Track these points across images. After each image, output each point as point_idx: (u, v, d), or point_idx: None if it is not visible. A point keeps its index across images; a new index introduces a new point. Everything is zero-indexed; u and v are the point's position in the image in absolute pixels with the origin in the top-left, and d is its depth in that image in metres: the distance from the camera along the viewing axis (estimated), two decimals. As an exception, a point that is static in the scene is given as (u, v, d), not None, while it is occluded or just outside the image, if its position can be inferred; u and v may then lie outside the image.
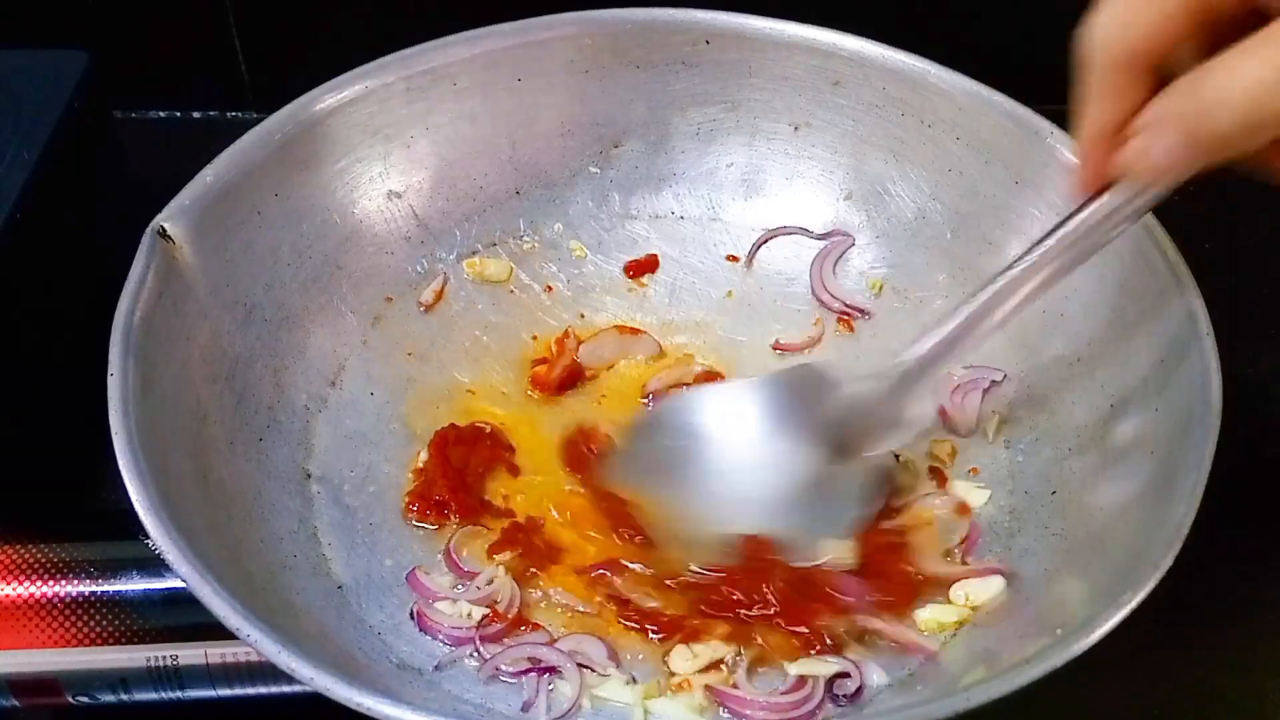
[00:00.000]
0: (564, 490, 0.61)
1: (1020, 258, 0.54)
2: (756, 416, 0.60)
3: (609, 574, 0.57)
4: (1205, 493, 0.51)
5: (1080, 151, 0.49)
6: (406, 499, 0.60)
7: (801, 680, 0.53)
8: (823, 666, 0.53)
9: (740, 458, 0.60)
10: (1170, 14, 0.45)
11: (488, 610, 0.55)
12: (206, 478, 0.55)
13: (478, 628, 0.55)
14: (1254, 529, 0.65)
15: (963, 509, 0.60)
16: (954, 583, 0.57)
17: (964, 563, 0.58)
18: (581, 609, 0.57)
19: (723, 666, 0.54)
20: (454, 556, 0.58)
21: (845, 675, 0.53)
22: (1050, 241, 0.52)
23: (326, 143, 0.66)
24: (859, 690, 0.53)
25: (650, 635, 0.55)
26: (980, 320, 0.55)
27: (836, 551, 0.57)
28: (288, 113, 0.64)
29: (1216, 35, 0.44)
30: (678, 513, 0.59)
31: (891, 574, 0.57)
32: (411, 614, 0.56)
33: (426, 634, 0.55)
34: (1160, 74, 0.46)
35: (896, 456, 0.61)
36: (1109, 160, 0.48)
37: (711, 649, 0.55)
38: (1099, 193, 0.50)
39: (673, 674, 0.54)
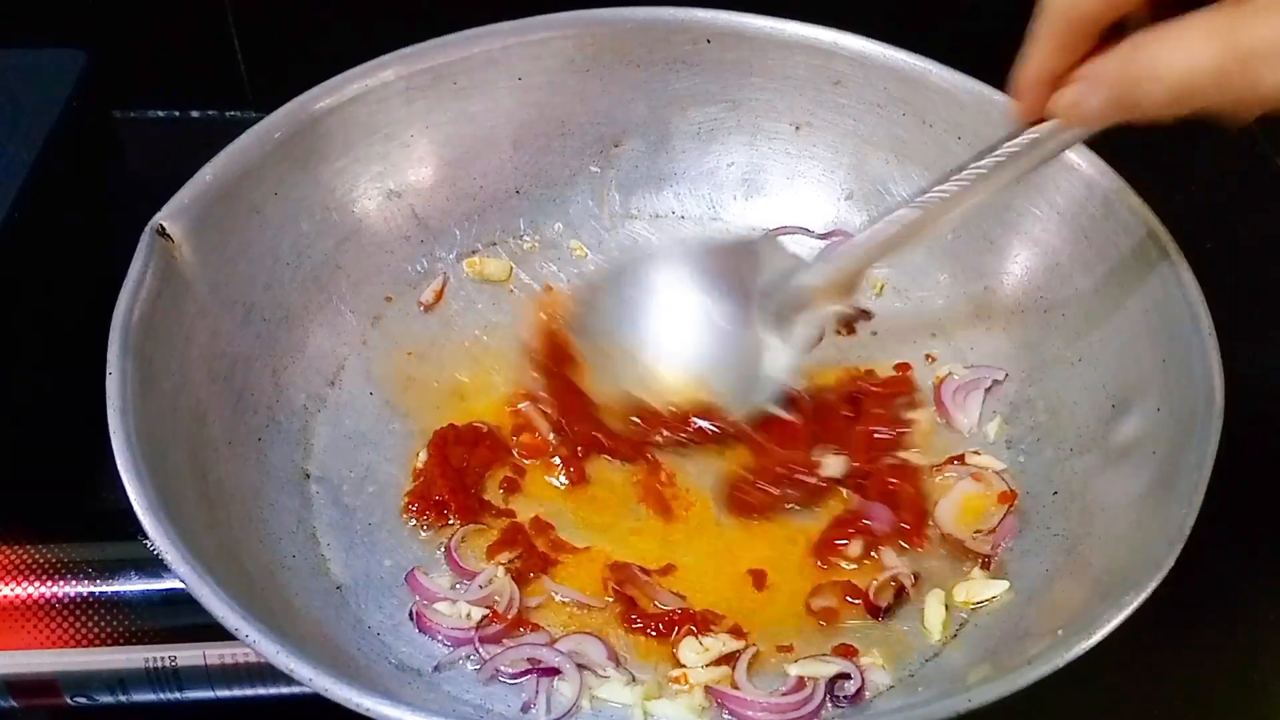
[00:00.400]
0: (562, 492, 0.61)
1: (958, 172, 0.56)
2: (707, 277, 0.64)
3: (619, 574, 0.57)
4: (1206, 493, 0.51)
5: (1016, 90, 0.52)
6: (406, 499, 0.60)
7: (802, 681, 0.53)
8: (823, 667, 0.53)
9: (687, 313, 0.64)
10: None
11: (487, 611, 0.55)
12: (205, 478, 0.55)
13: (477, 628, 0.55)
14: (1254, 529, 0.65)
15: (1005, 497, 0.60)
16: (968, 555, 0.58)
17: (992, 548, 0.58)
18: (586, 601, 0.56)
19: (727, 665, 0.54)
20: (454, 555, 0.58)
21: (846, 676, 0.53)
22: (985, 160, 0.55)
23: (326, 142, 0.65)
24: (859, 691, 0.53)
25: (655, 636, 0.55)
26: (919, 228, 0.58)
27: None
28: (287, 112, 0.64)
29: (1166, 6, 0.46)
30: (624, 364, 0.63)
31: (899, 494, 0.60)
32: (411, 614, 0.56)
33: (425, 634, 0.55)
34: (1107, 32, 0.48)
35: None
36: (1042, 102, 0.51)
37: (721, 642, 0.54)
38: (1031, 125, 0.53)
39: (680, 665, 0.54)
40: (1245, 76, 0.43)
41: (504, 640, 0.55)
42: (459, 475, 0.60)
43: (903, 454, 0.62)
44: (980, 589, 0.56)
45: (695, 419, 0.62)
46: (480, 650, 0.54)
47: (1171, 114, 0.45)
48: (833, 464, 0.61)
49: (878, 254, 0.60)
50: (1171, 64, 0.44)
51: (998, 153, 0.54)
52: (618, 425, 0.62)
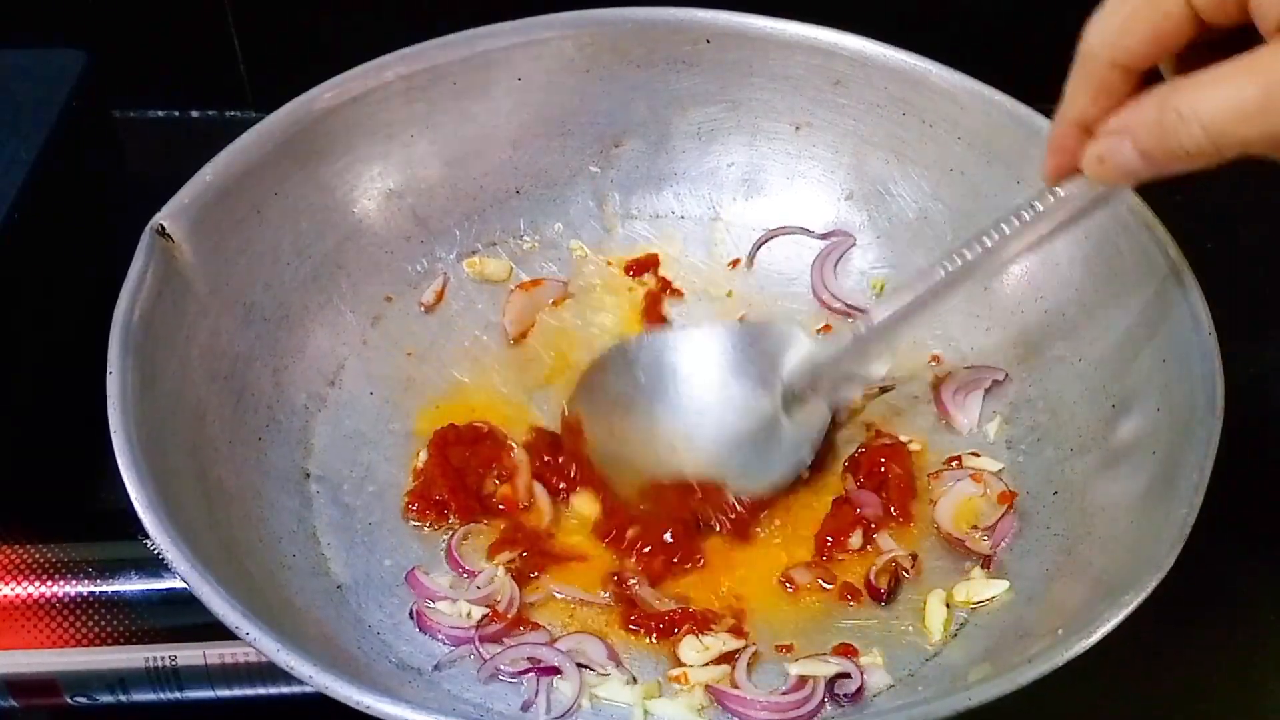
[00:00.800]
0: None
1: (980, 237, 0.54)
2: (717, 362, 0.63)
3: (620, 577, 0.57)
4: (1206, 493, 0.51)
5: (1053, 138, 0.50)
6: (406, 499, 0.60)
7: (802, 680, 0.53)
8: (823, 667, 0.53)
9: (696, 397, 0.63)
10: (1171, 25, 0.45)
11: (487, 610, 0.55)
12: (205, 477, 0.55)
13: (477, 627, 0.55)
14: (1254, 529, 0.65)
15: (1004, 497, 0.60)
16: (968, 554, 0.58)
17: (991, 547, 0.58)
18: (587, 599, 0.57)
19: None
20: (454, 555, 0.58)
21: (846, 675, 0.53)
22: (1012, 224, 0.53)
23: (326, 142, 0.65)
24: (859, 690, 0.53)
25: (655, 636, 0.55)
26: (940, 293, 0.56)
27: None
28: (287, 112, 0.64)
29: (1209, 50, 0.44)
30: (631, 447, 0.61)
31: (889, 476, 0.60)
32: (411, 613, 0.56)
33: (426, 633, 0.55)
34: (1147, 78, 0.46)
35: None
36: (1077, 153, 0.49)
37: (721, 641, 0.54)
38: (1064, 179, 0.51)
39: (681, 664, 0.54)
40: None
41: (504, 639, 0.55)
42: (459, 475, 0.60)
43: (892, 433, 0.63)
44: (980, 589, 0.56)
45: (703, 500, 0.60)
46: (480, 649, 0.54)
47: (1209, 161, 0.44)
48: None
49: (897, 328, 0.58)
50: (1210, 105, 0.42)
51: (1028, 214, 0.53)
52: (628, 500, 0.61)
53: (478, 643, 0.54)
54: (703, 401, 0.63)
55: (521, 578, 0.57)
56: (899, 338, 0.60)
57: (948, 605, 0.56)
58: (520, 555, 0.58)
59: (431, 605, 0.56)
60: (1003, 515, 0.59)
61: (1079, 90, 0.48)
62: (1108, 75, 0.47)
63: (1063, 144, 0.50)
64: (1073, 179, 0.51)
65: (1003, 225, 0.54)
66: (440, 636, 0.55)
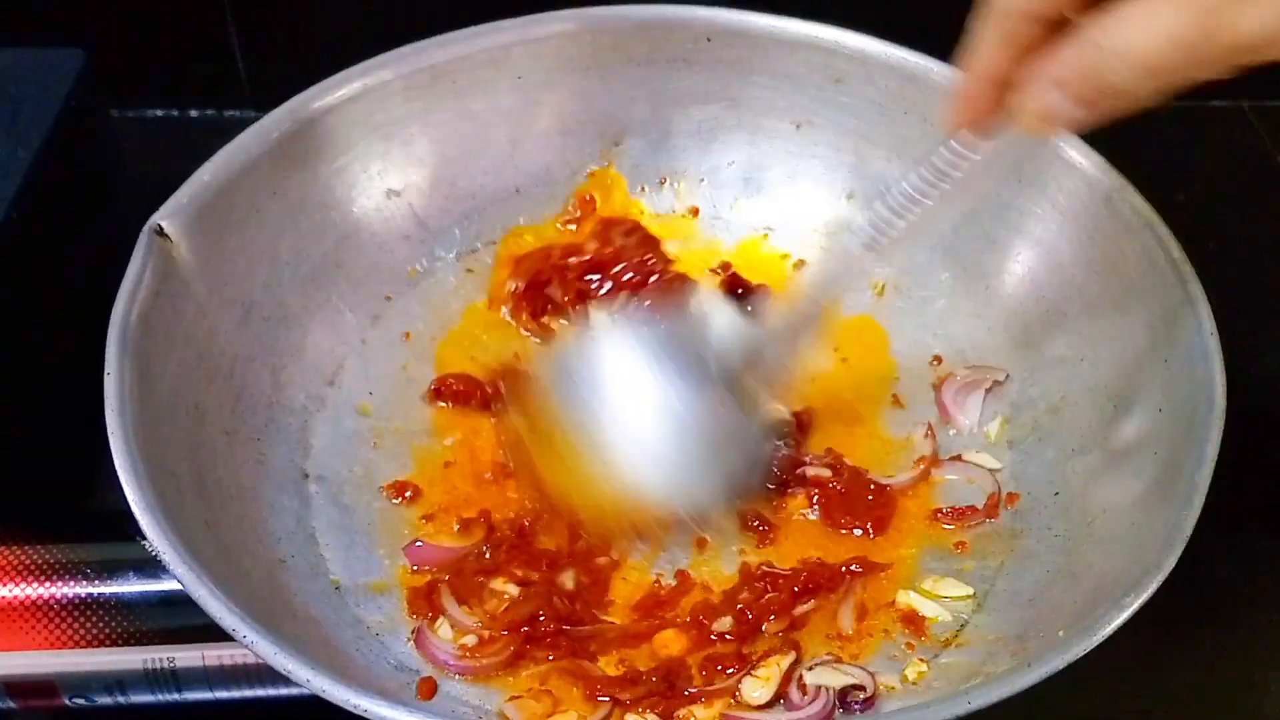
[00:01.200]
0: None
1: (894, 195, 0.52)
2: (660, 356, 0.57)
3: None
4: (1208, 493, 0.50)
5: (963, 90, 0.48)
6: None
7: (818, 690, 0.53)
8: (836, 677, 0.53)
9: (648, 408, 0.56)
10: None
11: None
12: (203, 477, 0.55)
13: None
14: (1255, 529, 0.65)
15: (1009, 499, 0.60)
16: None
17: (958, 541, 0.59)
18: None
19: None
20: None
21: (860, 688, 0.53)
22: (924, 178, 0.51)
23: (325, 141, 0.65)
24: (871, 698, 0.53)
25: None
26: (863, 256, 0.54)
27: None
28: (286, 111, 0.64)
29: None
30: (589, 475, 0.56)
31: (857, 496, 0.59)
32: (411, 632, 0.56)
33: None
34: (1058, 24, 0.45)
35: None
36: (991, 102, 0.47)
37: (777, 665, 0.54)
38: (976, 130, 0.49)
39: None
40: (1219, 29, 0.40)
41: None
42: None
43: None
44: (973, 585, 0.57)
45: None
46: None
47: (1146, 98, 0.42)
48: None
49: (827, 293, 0.56)
50: (1136, 38, 0.41)
51: (937, 167, 0.51)
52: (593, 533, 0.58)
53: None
54: (651, 414, 0.56)
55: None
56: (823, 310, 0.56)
57: (941, 601, 0.56)
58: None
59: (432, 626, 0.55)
60: (988, 508, 0.60)
61: (990, 43, 0.46)
62: (1019, 26, 0.45)
63: (972, 98, 0.48)
64: (982, 134, 0.49)
65: (929, 185, 0.51)
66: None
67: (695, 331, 0.57)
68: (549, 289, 0.67)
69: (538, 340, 0.67)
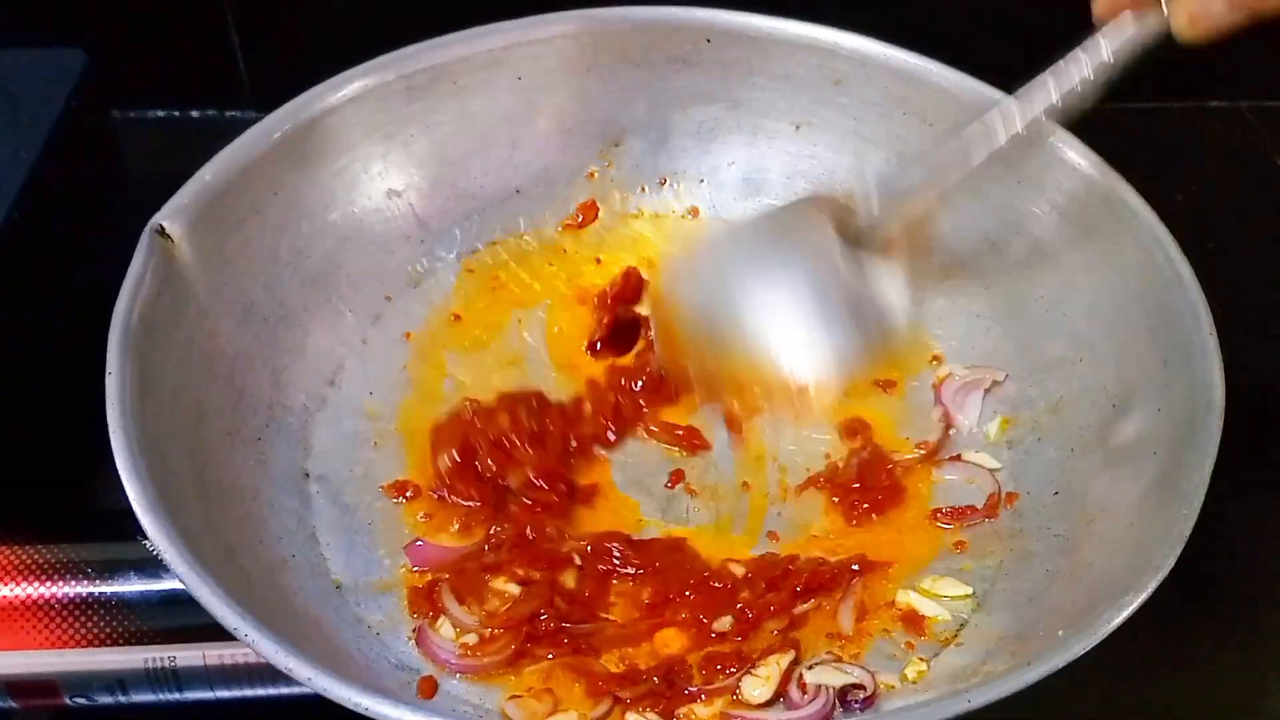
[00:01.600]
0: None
1: (1032, 83, 0.52)
2: (784, 245, 0.59)
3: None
4: (1207, 493, 0.50)
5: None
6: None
7: (818, 690, 0.53)
8: (836, 676, 0.53)
9: (780, 289, 0.57)
10: None
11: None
12: (204, 477, 0.55)
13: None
14: (1254, 529, 0.65)
15: (1009, 498, 0.60)
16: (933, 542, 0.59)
17: (957, 540, 0.59)
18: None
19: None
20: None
21: (859, 687, 0.53)
22: (1066, 74, 0.51)
23: (326, 141, 0.65)
24: (871, 697, 0.53)
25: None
26: (991, 141, 0.54)
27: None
28: (286, 111, 0.64)
29: None
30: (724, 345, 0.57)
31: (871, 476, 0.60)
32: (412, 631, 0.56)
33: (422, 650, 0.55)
34: None
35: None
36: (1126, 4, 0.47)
37: (776, 663, 0.54)
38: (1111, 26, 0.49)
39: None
40: None
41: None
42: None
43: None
44: (973, 585, 0.57)
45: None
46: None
47: None
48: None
49: (958, 172, 0.55)
50: None
51: (1079, 63, 0.50)
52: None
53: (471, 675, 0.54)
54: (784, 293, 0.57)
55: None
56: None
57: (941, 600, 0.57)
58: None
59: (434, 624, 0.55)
60: (987, 506, 0.60)
61: None
62: None
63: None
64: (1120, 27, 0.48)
65: (1057, 73, 0.51)
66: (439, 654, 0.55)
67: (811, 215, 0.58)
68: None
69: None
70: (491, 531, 0.58)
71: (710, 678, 0.53)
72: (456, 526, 0.59)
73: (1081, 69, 0.51)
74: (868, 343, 0.57)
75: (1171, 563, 0.48)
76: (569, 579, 0.56)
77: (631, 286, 0.69)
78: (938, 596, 0.57)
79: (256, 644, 0.45)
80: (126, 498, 0.49)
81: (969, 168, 0.55)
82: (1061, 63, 0.52)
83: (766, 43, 0.70)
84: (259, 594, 0.52)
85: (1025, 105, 0.54)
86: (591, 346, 0.67)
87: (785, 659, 0.54)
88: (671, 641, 0.55)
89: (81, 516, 0.60)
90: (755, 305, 0.57)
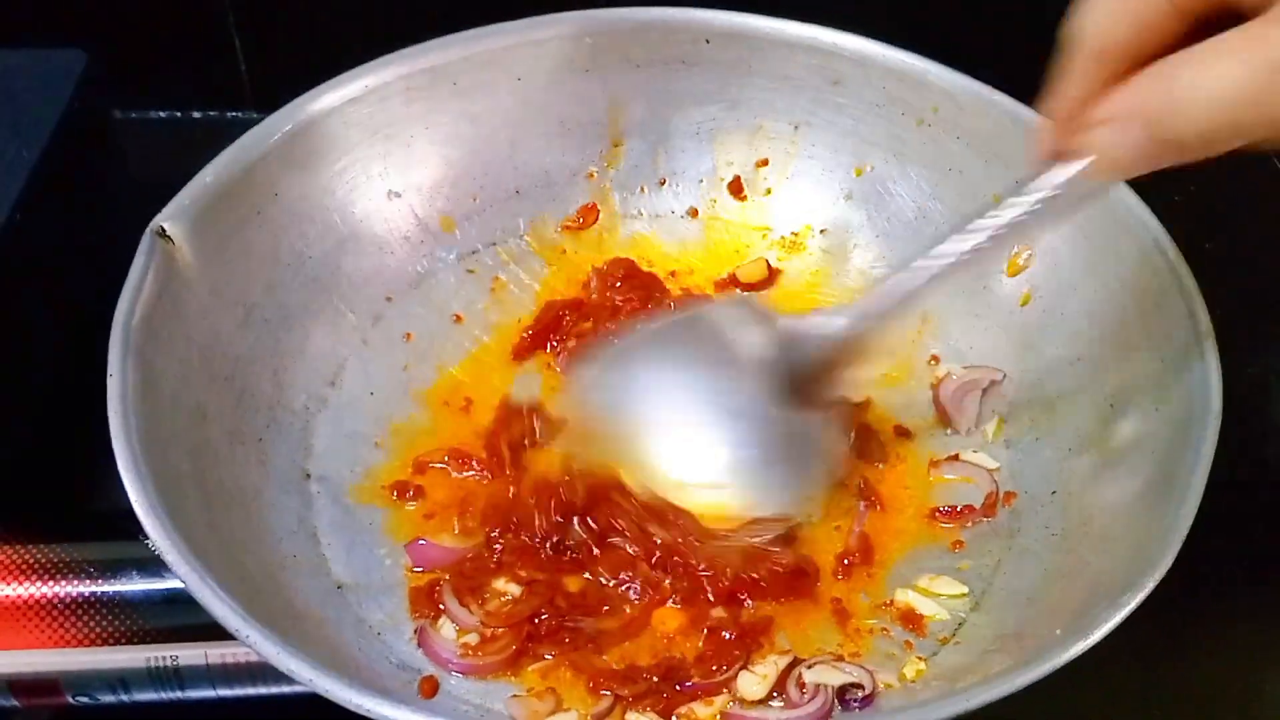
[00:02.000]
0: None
1: (976, 220, 0.52)
2: (711, 361, 0.59)
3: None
4: (1205, 493, 0.51)
5: (1043, 126, 0.48)
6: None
7: (816, 688, 0.53)
8: (835, 675, 0.53)
9: (699, 407, 0.59)
10: (1153, 15, 0.44)
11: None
12: (206, 478, 0.55)
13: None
14: (1254, 529, 0.65)
15: (1006, 497, 0.61)
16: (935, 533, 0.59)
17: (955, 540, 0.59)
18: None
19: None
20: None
21: (858, 686, 0.53)
22: (1009, 211, 0.51)
23: (326, 142, 0.65)
24: (869, 696, 0.53)
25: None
26: (941, 277, 0.53)
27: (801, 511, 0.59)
28: (287, 112, 0.64)
29: (1194, 33, 0.43)
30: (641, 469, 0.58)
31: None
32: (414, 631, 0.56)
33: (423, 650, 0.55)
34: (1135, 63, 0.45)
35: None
36: (1070, 139, 0.47)
37: (774, 662, 0.54)
38: (1057, 164, 0.49)
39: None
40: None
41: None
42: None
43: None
44: (971, 584, 0.57)
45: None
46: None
47: (1208, 148, 0.42)
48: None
49: (898, 308, 0.55)
50: (1203, 86, 0.40)
51: (1025, 201, 0.50)
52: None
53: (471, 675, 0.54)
54: (702, 414, 0.58)
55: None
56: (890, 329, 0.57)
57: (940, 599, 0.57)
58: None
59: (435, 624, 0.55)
60: (985, 506, 0.60)
61: (1068, 78, 0.46)
62: (1093, 66, 0.45)
63: (1053, 130, 0.48)
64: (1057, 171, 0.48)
65: (1002, 211, 0.51)
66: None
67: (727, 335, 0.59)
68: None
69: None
70: (494, 534, 0.58)
71: (708, 675, 0.54)
72: (457, 527, 0.59)
73: (1016, 211, 0.51)
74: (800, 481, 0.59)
75: (1170, 562, 0.48)
76: (572, 584, 0.57)
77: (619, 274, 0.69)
78: (936, 595, 0.57)
79: (258, 646, 0.46)
80: (128, 498, 0.49)
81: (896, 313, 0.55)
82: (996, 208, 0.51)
83: (766, 43, 0.70)
84: (260, 595, 0.52)
85: (959, 243, 0.53)
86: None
87: (784, 658, 0.54)
88: (669, 619, 0.55)
89: (84, 516, 0.60)
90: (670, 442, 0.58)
